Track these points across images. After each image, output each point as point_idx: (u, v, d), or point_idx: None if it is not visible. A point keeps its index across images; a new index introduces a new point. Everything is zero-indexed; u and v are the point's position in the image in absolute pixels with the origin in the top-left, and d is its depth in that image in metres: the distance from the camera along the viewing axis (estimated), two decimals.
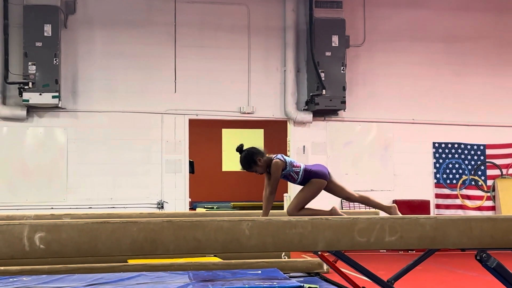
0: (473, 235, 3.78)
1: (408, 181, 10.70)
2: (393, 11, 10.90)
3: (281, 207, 10.68)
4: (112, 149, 9.99)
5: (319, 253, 5.13)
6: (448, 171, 10.93)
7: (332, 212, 5.11)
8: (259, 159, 5.05)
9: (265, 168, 5.09)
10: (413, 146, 10.80)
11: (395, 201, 10.60)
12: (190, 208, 10.70)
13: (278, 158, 5.07)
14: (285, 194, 10.71)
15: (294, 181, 5.14)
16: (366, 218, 3.82)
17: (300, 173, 5.08)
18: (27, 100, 9.39)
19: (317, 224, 3.71)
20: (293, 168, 5.08)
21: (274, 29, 10.55)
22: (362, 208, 10.23)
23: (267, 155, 5.09)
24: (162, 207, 10.02)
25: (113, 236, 3.42)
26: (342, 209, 10.22)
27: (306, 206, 5.12)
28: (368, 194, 5.35)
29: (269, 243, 3.66)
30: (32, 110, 9.72)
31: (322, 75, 10.14)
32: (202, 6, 10.35)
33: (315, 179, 5.08)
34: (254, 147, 5.11)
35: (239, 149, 5.11)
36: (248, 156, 5.06)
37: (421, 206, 10.56)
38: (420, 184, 10.77)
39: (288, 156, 9.59)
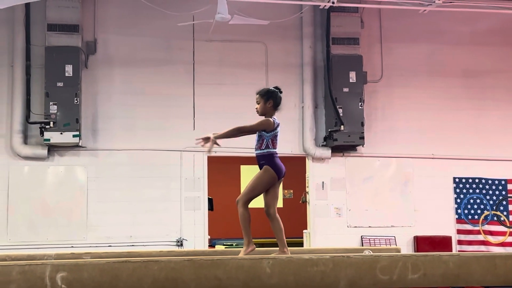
0: (498, 272, 3.73)
1: (429, 217, 10.58)
2: (410, 46, 10.94)
3: (301, 244, 10.62)
4: (131, 187, 10.02)
5: None
6: (469, 206, 10.81)
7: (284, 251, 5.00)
8: (270, 103, 5.11)
9: (262, 113, 5.13)
10: (433, 181, 10.71)
11: (416, 237, 10.50)
12: (209, 246, 10.65)
13: (275, 121, 5.09)
14: (304, 231, 10.64)
15: (258, 147, 5.11)
16: (388, 256, 3.79)
17: (267, 149, 5.05)
18: (48, 140, 9.50)
19: (339, 262, 3.69)
20: (271, 141, 5.06)
21: (292, 66, 10.63)
22: (383, 245, 10.14)
23: (274, 117, 5.11)
24: (182, 245, 9.99)
25: (134, 275, 3.43)
26: (362, 245, 10.14)
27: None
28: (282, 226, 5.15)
29: (290, 281, 3.65)
30: (53, 149, 9.82)
31: (340, 111, 10.16)
32: (220, 44, 10.48)
33: (269, 168, 5.04)
34: (280, 100, 5.19)
35: (278, 88, 5.24)
36: (273, 94, 5.16)
37: (443, 242, 10.41)
38: (441, 220, 10.64)
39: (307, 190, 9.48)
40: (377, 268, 3.66)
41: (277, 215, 5.10)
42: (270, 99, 5.16)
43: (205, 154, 10.26)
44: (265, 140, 5.08)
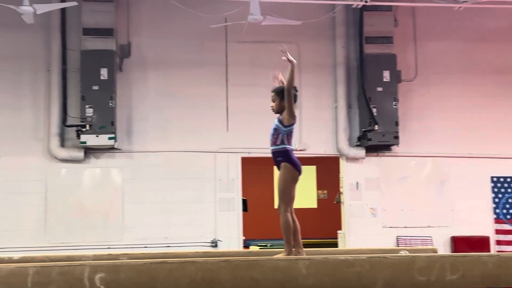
0: None
1: (466, 217, 10.42)
2: (445, 44, 10.80)
3: (336, 245, 10.56)
4: (166, 188, 10.10)
5: None
6: (508, 206, 10.61)
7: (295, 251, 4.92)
8: (285, 100, 5.05)
9: (278, 110, 5.12)
10: (471, 180, 10.54)
11: (453, 238, 10.35)
12: (244, 246, 10.67)
13: (294, 117, 5.03)
14: (339, 232, 10.58)
15: (273, 142, 5.09)
16: (425, 256, 3.74)
17: (283, 145, 5.03)
18: (85, 142, 9.63)
19: (375, 262, 3.66)
20: (286, 137, 5.04)
21: (325, 66, 10.58)
22: (420, 245, 10.02)
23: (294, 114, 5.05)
24: (216, 246, 10.03)
25: (171, 276, 3.45)
26: (398, 246, 10.03)
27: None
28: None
29: (326, 282, 3.63)
30: (89, 151, 9.95)
31: (374, 110, 10.08)
32: (253, 46, 10.48)
33: (288, 164, 5.00)
34: (295, 97, 5.11)
35: (295, 88, 5.15)
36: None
37: (480, 243, 10.24)
38: (479, 220, 10.46)
39: (341, 191, 9.45)
40: (415, 269, 3.62)
41: (289, 214, 4.94)
42: (283, 97, 5.12)
43: (239, 155, 10.28)
44: (280, 135, 5.06)
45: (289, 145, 5.08)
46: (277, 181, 5.09)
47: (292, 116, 5.02)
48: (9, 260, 5.24)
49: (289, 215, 4.95)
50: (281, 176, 5.05)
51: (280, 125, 5.07)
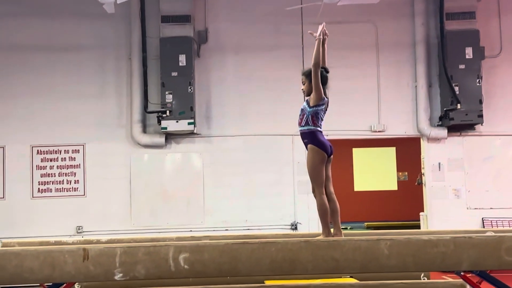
0: None
1: None
2: None
3: (418, 226, 10.38)
4: (245, 172, 10.21)
5: (461, 273, 4.91)
6: None
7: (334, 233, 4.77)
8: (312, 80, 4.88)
9: (309, 92, 4.95)
10: None
11: None
12: None
13: (324, 98, 4.86)
14: (421, 213, 10.38)
15: (299, 123, 4.96)
16: None
17: (307, 126, 4.89)
18: (165, 128, 9.86)
19: (461, 242, 3.58)
20: (311, 118, 4.87)
21: (403, 45, 10.34)
22: (507, 227, 9.70)
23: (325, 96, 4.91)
24: (296, 228, 10.07)
25: (253, 256, 3.50)
26: (483, 227, 9.74)
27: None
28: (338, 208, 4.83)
29: (409, 263, 3.58)
30: (170, 137, 10.18)
31: (456, 89, 9.79)
32: (329, 27, 10.12)
33: (314, 146, 4.86)
34: (325, 78, 4.95)
35: (323, 67, 4.98)
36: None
37: None
38: None
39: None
40: (502, 249, 3.51)
41: (323, 196, 4.81)
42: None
43: None
44: (305, 115, 4.91)
45: (314, 126, 4.91)
46: (306, 164, 4.94)
47: (318, 96, 4.84)
48: (98, 242, 5.45)
49: (324, 197, 4.81)
50: (309, 158, 4.92)
51: (306, 105, 4.93)
